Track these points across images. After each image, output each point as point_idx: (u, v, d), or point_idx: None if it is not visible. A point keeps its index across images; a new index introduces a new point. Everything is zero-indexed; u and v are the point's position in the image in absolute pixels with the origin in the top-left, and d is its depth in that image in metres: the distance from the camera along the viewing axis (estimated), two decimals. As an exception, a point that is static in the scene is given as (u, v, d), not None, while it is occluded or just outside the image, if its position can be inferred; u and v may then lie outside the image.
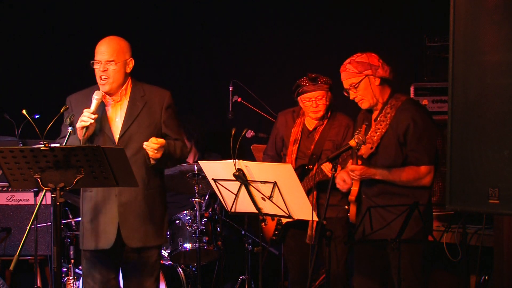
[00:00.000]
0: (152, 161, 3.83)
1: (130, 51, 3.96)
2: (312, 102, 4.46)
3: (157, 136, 3.89)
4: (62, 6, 6.34)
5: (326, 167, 4.26)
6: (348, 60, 3.92)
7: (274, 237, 4.64)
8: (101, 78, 3.86)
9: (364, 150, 3.77)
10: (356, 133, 3.79)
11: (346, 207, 4.06)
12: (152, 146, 3.74)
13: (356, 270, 4.04)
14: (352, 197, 3.96)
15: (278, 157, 4.72)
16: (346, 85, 3.91)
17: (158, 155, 3.77)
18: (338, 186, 4.04)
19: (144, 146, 3.75)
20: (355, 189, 3.93)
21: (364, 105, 3.92)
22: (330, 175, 4.19)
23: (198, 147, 5.82)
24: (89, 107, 3.78)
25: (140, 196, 3.90)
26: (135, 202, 3.90)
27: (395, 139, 3.80)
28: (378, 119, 3.86)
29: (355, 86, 3.86)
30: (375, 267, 3.92)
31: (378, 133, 3.80)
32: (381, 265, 3.89)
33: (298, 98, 4.51)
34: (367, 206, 3.75)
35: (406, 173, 3.78)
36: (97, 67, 3.87)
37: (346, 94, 3.93)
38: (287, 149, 4.60)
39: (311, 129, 4.58)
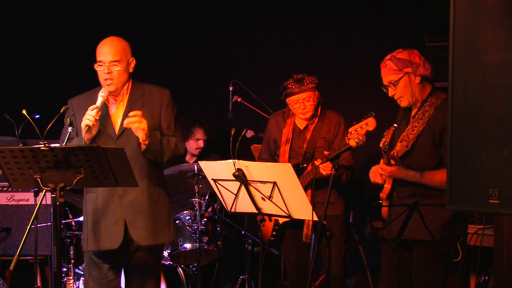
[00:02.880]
0: (143, 146, 3.77)
1: (131, 50, 3.95)
2: (300, 104, 4.46)
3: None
4: (62, 6, 6.34)
5: (322, 164, 4.24)
6: (389, 56, 3.79)
7: (272, 238, 4.63)
8: (106, 80, 3.84)
9: (399, 148, 3.68)
10: (355, 131, 3.75)
11: (381, 201, 3.93)
12: (133, 117, 3.69)
13: (383, 273, 3.98)
14: (383, 194, 3.86)
15: (273, 159, 4.71)
16: (385, 81, 3.81)
17: (144, 126, 3.70)
18: (370, 176, 3.91)
19: (125, 123, 3.70)
20: (387, 186, 3.83)
21: (403, 103, 3.82)
22: (325, 173, 4.18)
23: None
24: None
25: (144, 195, 3.90)
26: (140, 201, 3.89)
27: (431, 139, 3.71)
28: (416, 117, 3.76)
29: (395, 83, 3.75)
30: (402, 269, 3.76)
31: (414, 131, 3.69)
32: (407, 267, 3.80)
33: (286, 100, 4.51)
34: (369, 205, 3.72)
35: (439, 176, 3.65)
36: (101, 69, 3.85)
37: (385, 90, 3.83)
38: (280, 150, 4.61)
39: (302, 128, 4.59)
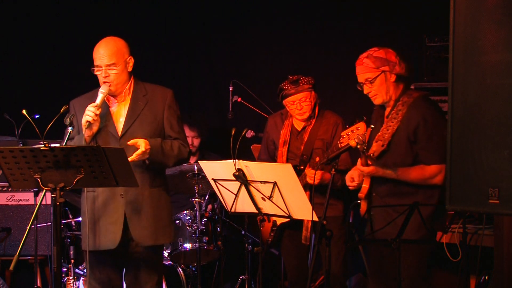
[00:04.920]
0: (147, 161, 3.82)
1: (128, 49, 3.93)
2: (296, 105, 4.46)
3: (159, 134, 3.94)
4: (62, 6, 6.34)
5: (309, 172, 4.26)
6: (365, 54, 3.84)
7: (270, 239, 4.63)
8: (104, 84, 3.85)
9: (376, 148, 3.70)
10: (347, 135, 3.76)
11: (359, 201, 3.98)
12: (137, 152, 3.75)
13: (369, 272, 4.00)
14: (362, 194, 3.90)
15: (272, 160, 4.71)
16: (361, 79, 3.84)
17: (143, 150, 3.76)
18: (347, 183, 3.99)
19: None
20: (365, 186, 3.87)
21: (377, 101, 3.87)
22: (312, 182, 4.18)
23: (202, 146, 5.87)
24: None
25: (146, 194, 3.91)
26: (142, 201, 3.90)
27: (406, 137, 3.75)
28: (390, 116, 3.79)
29: (371, 81, 3.80)
30: (388, 268, 3.82)
31: (389, 131, 3.72)
32: (393, 266, 3.83)
33: (283, 101, 4.51)
34: (369, 207, 3.73)
35: (416, 172, 3.73)
36: (98, 73, 3.86)
37: (359, 88, 3.87)
38: (278, 151, 4.61)
39: (299, 129, 4.59)
